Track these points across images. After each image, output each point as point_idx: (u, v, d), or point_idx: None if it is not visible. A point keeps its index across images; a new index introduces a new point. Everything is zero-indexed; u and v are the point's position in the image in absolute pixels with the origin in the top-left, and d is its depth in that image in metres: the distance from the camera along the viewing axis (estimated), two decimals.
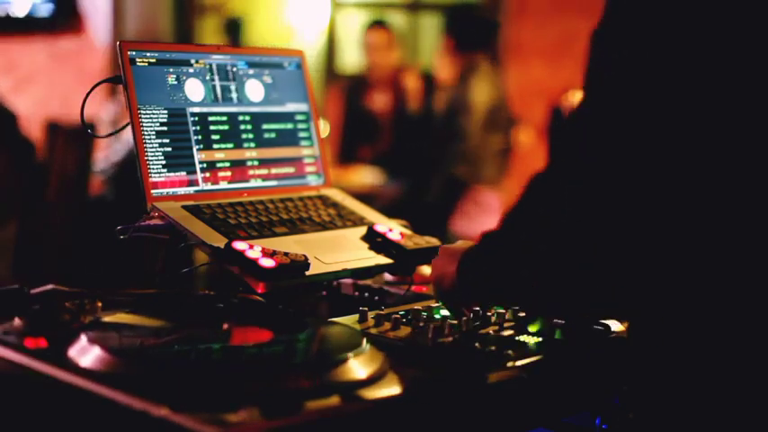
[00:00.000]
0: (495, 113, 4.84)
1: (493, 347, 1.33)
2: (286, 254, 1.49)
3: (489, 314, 1.45)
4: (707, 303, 1.14)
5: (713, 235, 1.13)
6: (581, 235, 1.16)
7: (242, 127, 1.76)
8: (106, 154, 4.84)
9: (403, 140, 5.45)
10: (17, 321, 1.31)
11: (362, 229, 1.71)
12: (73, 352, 1.21)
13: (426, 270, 1.78)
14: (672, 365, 1.17)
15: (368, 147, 5.65)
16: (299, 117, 1.86)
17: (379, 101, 5.68)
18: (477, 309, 1.45)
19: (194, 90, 1.71)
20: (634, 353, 1.23)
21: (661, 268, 1.17)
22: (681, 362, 1.16)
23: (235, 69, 1.78)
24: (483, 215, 4.67)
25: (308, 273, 1.51)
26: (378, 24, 5.92)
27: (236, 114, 1.76)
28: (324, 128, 4.76)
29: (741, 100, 1.11)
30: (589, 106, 1.16)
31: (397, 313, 1.44)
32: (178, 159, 1.65)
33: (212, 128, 1.72)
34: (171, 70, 1.69)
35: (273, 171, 1.79)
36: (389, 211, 1.92)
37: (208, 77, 1.74)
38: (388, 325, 1.41)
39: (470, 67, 4.84)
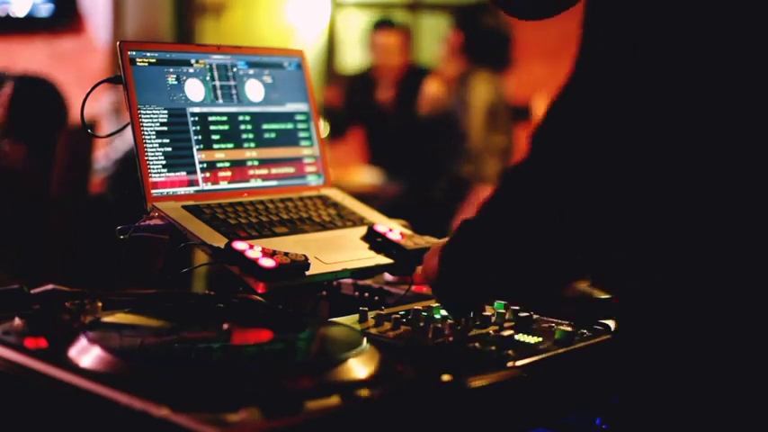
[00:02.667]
0: (495, 113, 4.83)
1: (493, 347, 1.33)
2: (286, 254, 1.49)
3: (489, 314, 1.45)
4: (700, 301, 1.13)
5: (703, 231, 1.12)
6: (557, 225, 1.16)
7: (242, 127, 1.76)
8: (106, 151, 4.84)
9: (407, 140, 5.41)
10: (17, 321, 1.31)
11: (362, 229, 1.71)
12: (73, 352, 1.21)
13: None
14: (666, 365, 1.17)
15: (357, 127, 5.61)
16: (299, 117, 1.86)
17: (383, 97, 5.61)
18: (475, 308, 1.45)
19: (194, 90, 1.71)
20: (626, 352, 1.23)
21: (649, 262, 1.16)
22: (675, 361, 1.16)
23: (235, 69, 1.78)
24: None
25: (308, 273, 1.51)
26: (386, 25, 5.73)
27: (236, 114, 1.76)
28: (324, 128, 4.75)
29: (732, 97, 1.11)
30: (573, 97, 1.16)
31: (397, 313, 1.44)
32: (178, 159, 1.65)
33: (212, 128, 1.72)
34: (171, 70, 1.69)
35: (273, 171, 1.79)
36: (389, 211, 1.92)
37: (208, 77, 1.74)
38: (388, 325, 1.41)
39: (470, 70, 4.84)
